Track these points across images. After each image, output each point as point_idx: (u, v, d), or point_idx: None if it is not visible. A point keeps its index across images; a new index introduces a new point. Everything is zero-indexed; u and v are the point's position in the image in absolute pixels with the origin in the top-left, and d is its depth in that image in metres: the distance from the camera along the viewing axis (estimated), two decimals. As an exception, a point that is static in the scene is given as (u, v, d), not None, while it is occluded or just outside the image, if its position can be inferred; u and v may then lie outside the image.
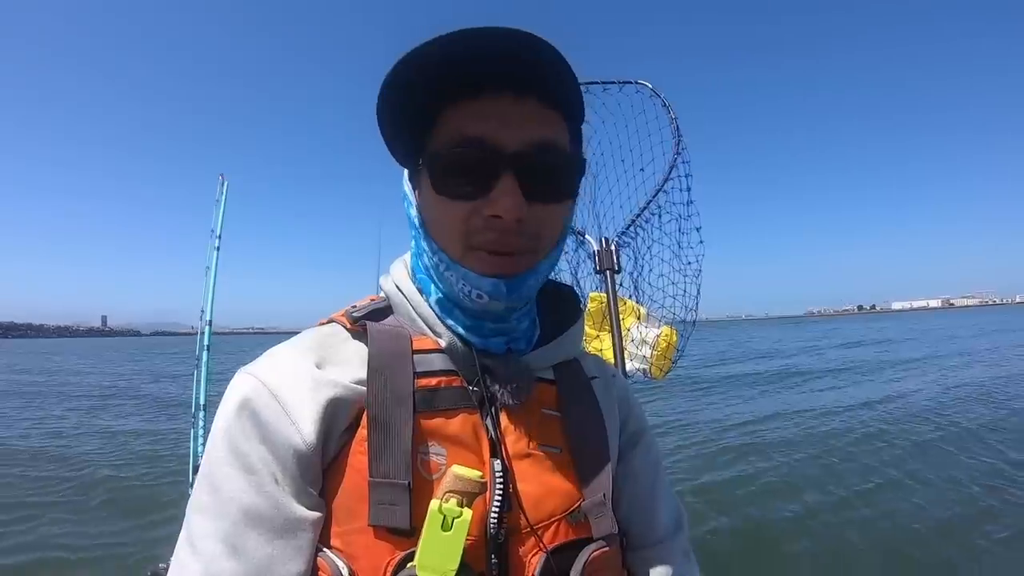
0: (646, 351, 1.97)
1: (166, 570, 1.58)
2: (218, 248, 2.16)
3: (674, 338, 1.95)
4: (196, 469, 1.66)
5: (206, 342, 1.90)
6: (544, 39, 0.50)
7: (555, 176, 0.56)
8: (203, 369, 1.84)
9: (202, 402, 1.79)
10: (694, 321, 1.95)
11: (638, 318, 2.00)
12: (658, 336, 1.95)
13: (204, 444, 1.71)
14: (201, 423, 1.75)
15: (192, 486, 1.70)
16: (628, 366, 1.87)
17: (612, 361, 1.77)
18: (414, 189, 0.60)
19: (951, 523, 4.16)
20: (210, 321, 1.93)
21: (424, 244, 0.59)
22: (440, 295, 0.61)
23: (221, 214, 2.26)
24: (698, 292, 1.94)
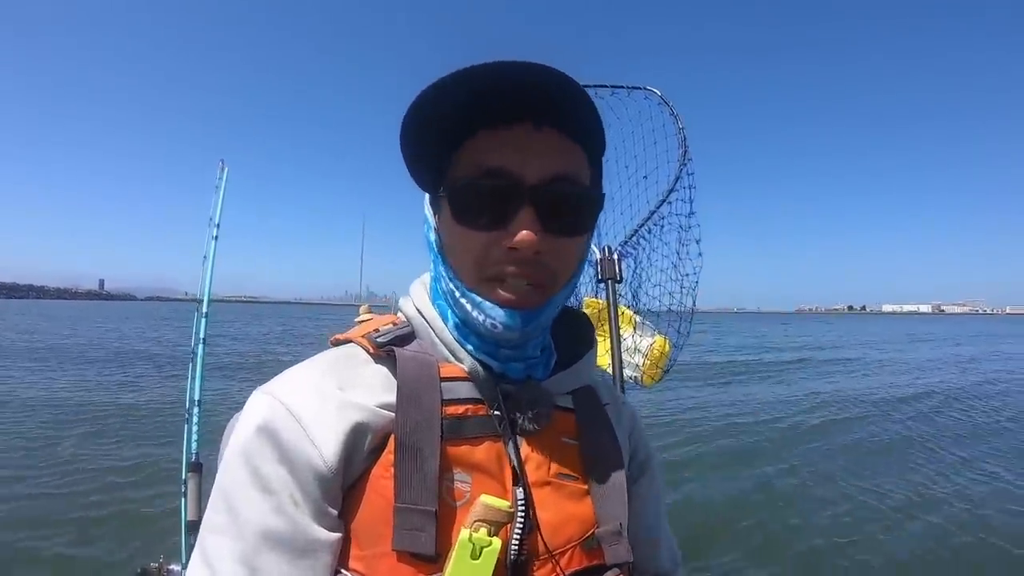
0: (639, 359, 1.99)
1: (157, 569, 1.60)
2: (216, 237, 2.08)
3: (667, 348, 1.96)
4: (190, 467, 1.67)
5: (201, 335, 1.83)
6: (561, 72, 0.50)
7: (572, 210, 0.57)
8: (198, 364, 1.79)
9: (196, 398, 1.75)
10: (688, 332, 1.97)
11: (632, 327, 2.01)
12: (651, 345, 1.97)
13: (198, 440, 1.72)
14: (195, 419, 1.72)
15: (185, 483, 1.71)
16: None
17: (606, 368, 1.78)
18: (435, 213, 0.61)
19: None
20: (206, 314, 1.89)
21: (442, 269, 0.60)
22: (457, 320, 0.61)
23: (220, 201, 2.15)
24: (694, 303, 1.94)
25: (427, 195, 0.63)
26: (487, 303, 0.56)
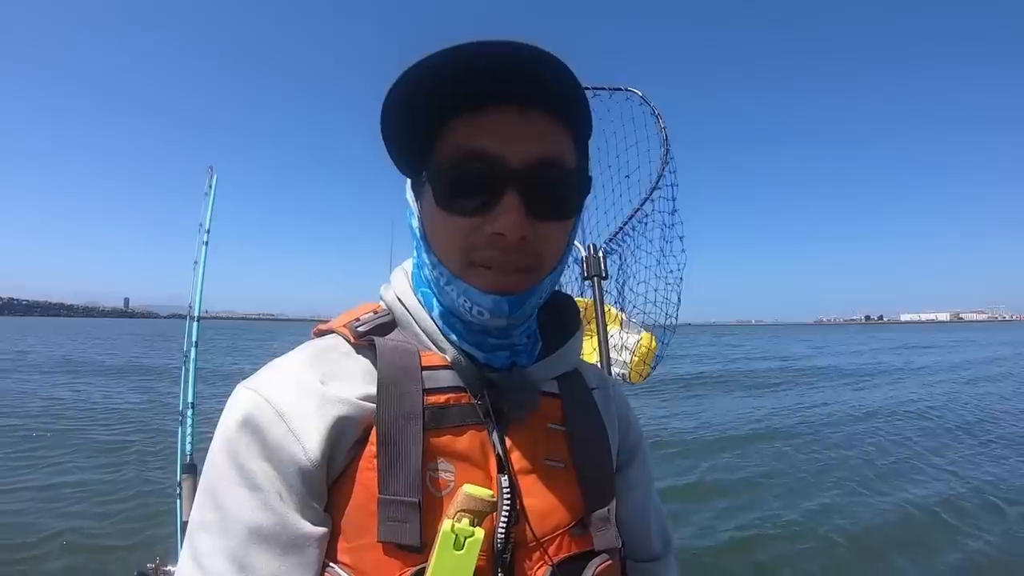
0: (626, 356, 2.01)
1: (154, 571, 1.63)
2: (206, 243, 2.14)
3: (653, 344, 1.98)
4: (184, 468, 1.70)
5: (194, 339, 1.87)
6: (549, 52, 0.49)
7: (558, 194, 0.56)
8: (191, 366, 1.83)
9: (190, 400, 1.78)
10: (674, 328, 1.98)
11: (619, 324, 2.03)
12: (638, 342, 1.99)
13: (192, 442, 1.75)
14: (189, 421, 1.74)
15: (180, 484, 1.74)
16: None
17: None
18: (416, 200, 0.60)
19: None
20: (198, 317, 1.94)
21: (425, 257, 0.59)
22: (442, 308, 0.61)
23: (210, 208, 2.21)
24: (679, 300, 1.96)
25: (408, 181, 0.62)
26: (473, 290, 0.55)
